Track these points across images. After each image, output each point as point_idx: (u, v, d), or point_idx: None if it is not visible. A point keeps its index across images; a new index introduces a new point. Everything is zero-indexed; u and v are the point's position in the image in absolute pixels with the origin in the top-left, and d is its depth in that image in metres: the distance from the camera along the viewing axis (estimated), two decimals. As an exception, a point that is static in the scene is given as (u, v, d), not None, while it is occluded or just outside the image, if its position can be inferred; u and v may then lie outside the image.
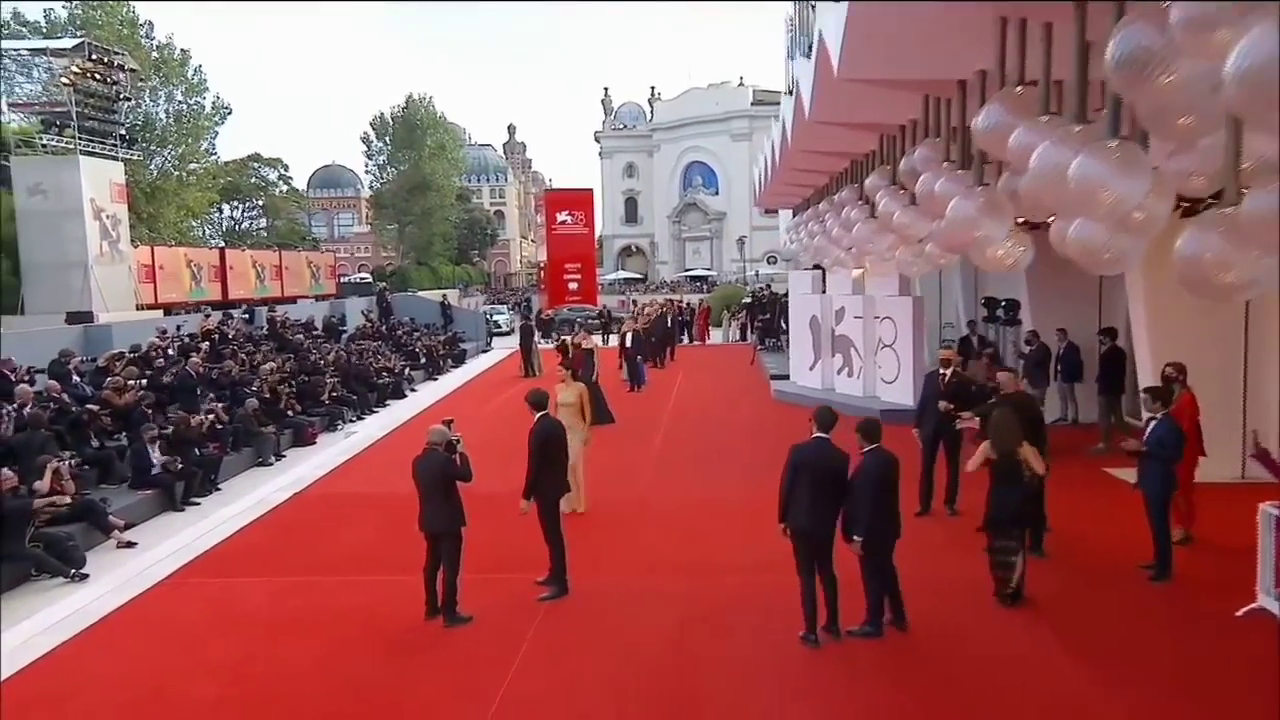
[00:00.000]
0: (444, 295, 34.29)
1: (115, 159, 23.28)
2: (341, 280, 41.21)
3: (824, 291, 17.68)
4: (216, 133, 42.03)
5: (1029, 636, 6.32)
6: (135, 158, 29.15)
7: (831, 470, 6.06)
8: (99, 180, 21.84)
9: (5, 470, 8.32)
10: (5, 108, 32.08)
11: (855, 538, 6.12)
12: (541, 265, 61.18)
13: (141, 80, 32.07)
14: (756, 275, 56.35)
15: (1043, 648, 6.14)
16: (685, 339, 30.33)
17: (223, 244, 49.15)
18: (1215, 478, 8.89)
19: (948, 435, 9.02)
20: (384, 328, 26.04)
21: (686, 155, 79.38)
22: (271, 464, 12.93)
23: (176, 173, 39.86)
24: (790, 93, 12.78)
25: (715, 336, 32.75)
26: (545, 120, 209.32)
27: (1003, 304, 14.71)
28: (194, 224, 46.34)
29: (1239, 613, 6.47)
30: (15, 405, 10.32)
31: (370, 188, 68.53)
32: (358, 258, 75.89)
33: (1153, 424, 7.28)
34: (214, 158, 44.21)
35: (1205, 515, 8.11)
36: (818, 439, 6.14)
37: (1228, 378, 9.80)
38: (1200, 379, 8.27)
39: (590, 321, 30.46)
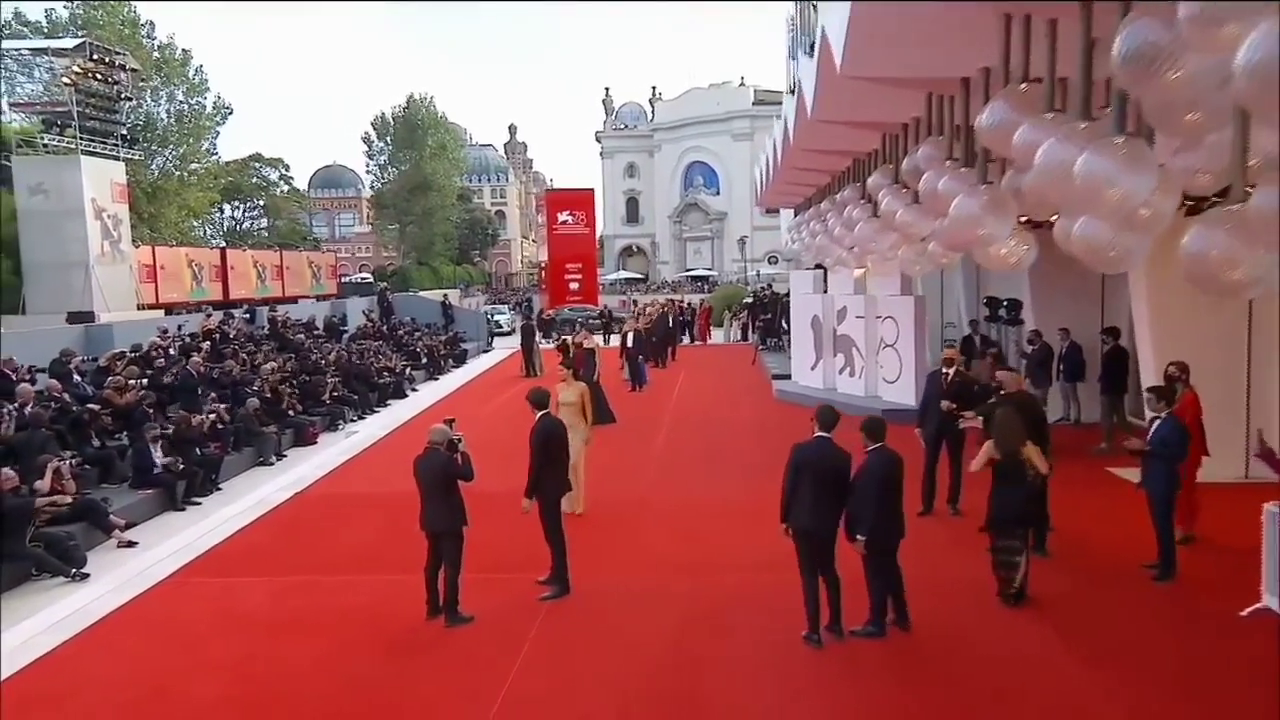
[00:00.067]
0: (445, 295, 34.25)
1: (117, 159, 23.27)
2: (342, 280, 41.18)
3: (826, 291, 17.65)
4: (218, 133, 42.14)
5: (1032, 636, 6.30)
6: (136, 158, 29.14)
7: (834, 470, 6.03)
8: (100, 180, 21.83)
9: (6, 469, 8.31)
10: (7, 107, 32.17)
11: (859, 537, 6.10)
12: (542, 265, 61.10)
13: (143, 80, 32.08)
14: (758, 275, 56.34)
15: (1046, 648, 6.12)
16: (686, 339, 30.32)
17: (224, 244, 49.16)
18: (1218, 477, 8.87)
19: (950, 435, 9.00)
20: (385, 327, 26.03)
21: (687, 155, 79.36)
22: (272, 464, 12.92)
23: (178, 173, 39.88)
24: (792, 91, 12.77)
25: (716, 336, 32.74)
26: (546, 120, 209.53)
27: (1005, 303, 14.68)
28: (195, 224, 46.38)
29: (1243, 613, 6.44)
30: (16, 404, 10.31)
31: (371, 188, 68.55)
32: (359, 258, 75.90)
33: (1157, 423, 7.26)
34: (215, 158, 44.28)
35: (1208, 515, 8.08)
36: (819, 438, 6.11)
37: (1231, 377, 9.77)
38: (1203, 378, 8.24)
39: (591, 321, 30.44)
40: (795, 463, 6.12)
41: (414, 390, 20.35)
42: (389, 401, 18.38)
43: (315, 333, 22.42)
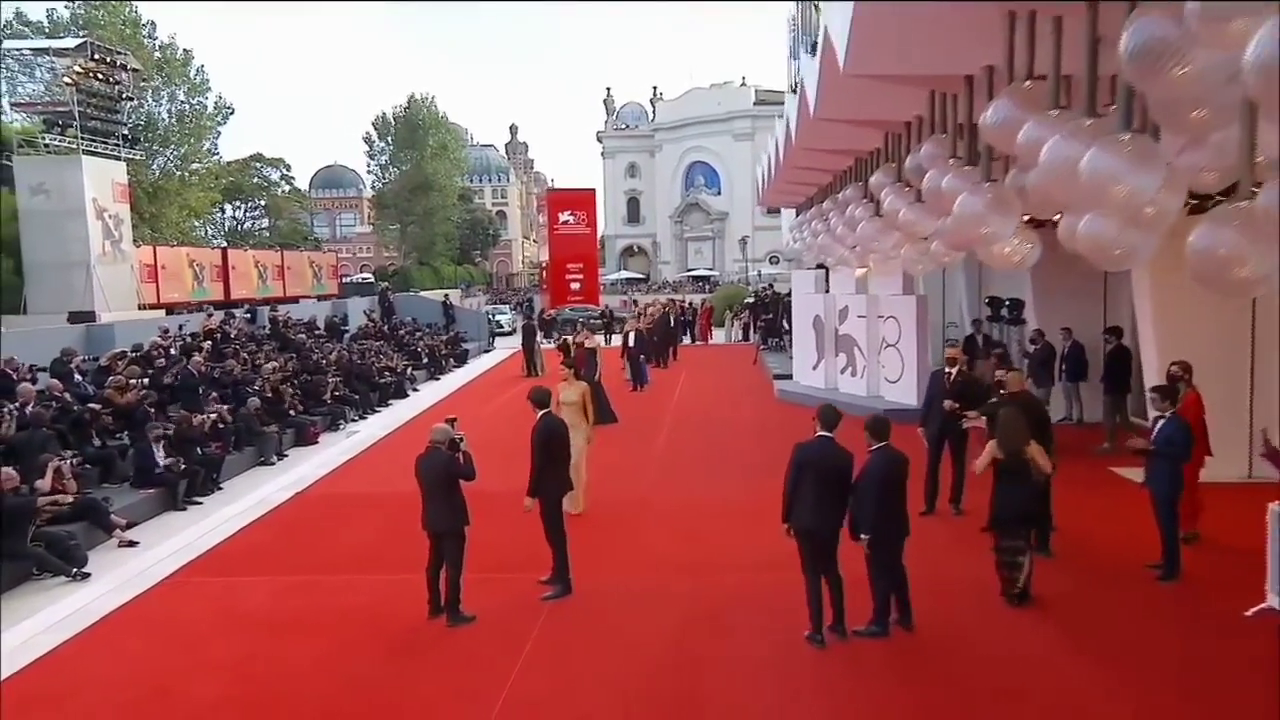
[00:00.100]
0: (446, 295, 34.24)
1: (118, 159, 23.23)
2: (344, 280, 41.12)
3: (827, 291, 17.63)
4: (219, 133, 42.12)
5: (1036, 636, 6.27)
6: (138, 158, 29.11)
7: (836, 469, 6.00)
8: (101, 180, 21.80)
9: (7, 469, 8.30)
10: (8, 107, 32.19)
11: (862, 536, 6.08)
12: (543, 265, 61.13)
13: (144, 80, 32.08)
14: (759, 275, 56.35)
15: (1050, 647, 6.10)
16: (688, 339, 30.30)
17: (225, 244, 49.13)
18: (1221, 477, 8.84)
19: (953, 434, 8.98)
20: (386, 327, 26.02)
21: (689, 155, 79.37)
22: (273, 463, 12.91)
23: (179, 173, 39.87)
24: (794, 90, 12.74)
25: (718, 336, 32.72)
26: (547, 120, 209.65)
27: (1007, 303, 14.65)
28: (196, 224, 46.35)
29: (1248, 613, 6.42)
30: (18, 404, 10.29)
31: (372, 188, 68.56)
32: (360, 258, 75.86)
33: (1161, 423, 7.24)
34: (216, 158, 44.28)
35: (1212, 515, 8.05)
36: (821, 437, 6.08)
37: (1234, 376, 9.73)
38: (1206, 377, 8.22)
39: (592, 321, 30.43)
40: (797, 462, 6.09)
41: (415, 390, 20.35)
42: (390, 401, 18.38)
43: (316, 332, 22.40)
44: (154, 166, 38.33)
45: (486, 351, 29.05)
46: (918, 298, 14.87)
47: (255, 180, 61.00)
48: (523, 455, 7.25)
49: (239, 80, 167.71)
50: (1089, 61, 4.66)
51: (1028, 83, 5.30)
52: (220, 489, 11.26)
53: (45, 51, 27.39)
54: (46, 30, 34.89)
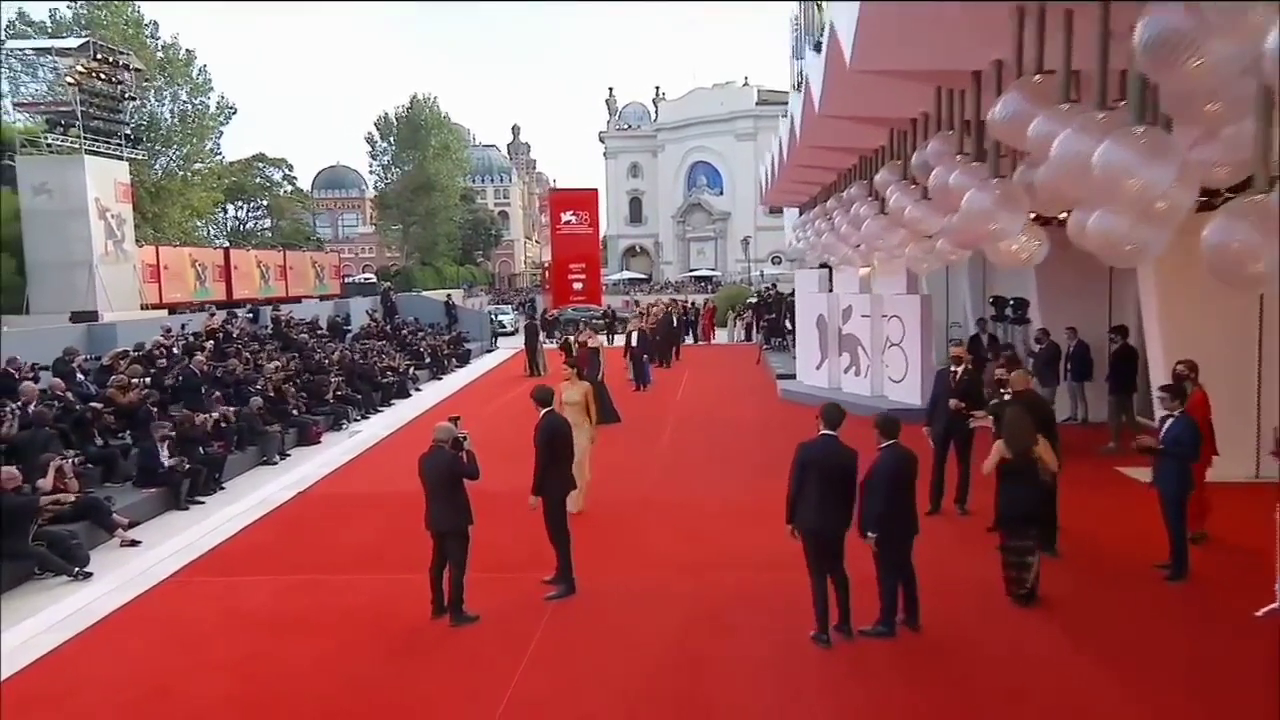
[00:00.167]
0: (449, 295, 34.24)
1: (120, 159, 23.24)
2: (346, 280, 41.13)
3: (831, 290, 17.58)
4: (221, 133, 42.08)
5: (1042, 636, 6.23)
6: (140, 157, 29.13)
7: (840, 468, 5.94)
8: (104, 180, 21.80)
9: (9, 468, 8.27)
10: (11, 107, 32.19)
11: (870, 534, 6.03)
12: (546, 265, 61.09)
13: (146, 80, 32.09)
14: (761, 275, 56.39)
15: (1057, 647, 6.05)
16: (690, 339, 30.27)
17: (227, 244, 49.11)
18: (1228, 477, 8.77)
19: (958, 434, 8.95)
20: (388, 327, 26.01)
21: (691, 155, 79.39)
22: (276, 463, 12.88)
23: (181, 173, 39.86)
24: (798, 88, 12.69)
25: (720, 336, 32.69)
26: (549, 121, 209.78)
27: (1011, 302, 14.58)
28: (199, 224, 46.36)
29: (1259, 613, 6.35)
30: (20, 403, 10.27)
31: (375, 188, 68.58)
32: (362, 258, 75.90)
33: (1169, 422, 7.18)
34: (219, 158, 44.26)
35: (1219, 515, 8.00)
36: (825, 436, 6.03)
37: (1241, 375, 9.68)
38: (1213, 376, 8.16)
39: (595, 321, 30.41)
40: (801, 461, 6.05)
41: (417, 390, 20.33)
42: (392, 401, 18.35)
43: (319, 332, 22.38)
44: (156, 166, 38.35)
45: (489, 351, 29.04)
46: (922, 297, 14.82)
47: (258, 180, 61.06)
48: (526, 455, 7.22)
49: (241, 80, 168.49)
50: (1100, 55, 4.61)
51: (1037, 77, 5.25)
52: (222, 488, 11.24)
53: (48, 51, 27.44)
54: (49, 30, 34.90)
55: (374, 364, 19.39)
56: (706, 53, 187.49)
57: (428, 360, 23.14)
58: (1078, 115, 4.49)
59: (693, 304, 35.50)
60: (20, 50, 30.88)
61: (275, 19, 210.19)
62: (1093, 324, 13.01)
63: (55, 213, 20.97)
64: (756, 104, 73.60)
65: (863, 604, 6.19)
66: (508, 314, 38.95)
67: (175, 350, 14.97)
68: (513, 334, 33.47)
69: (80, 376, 12.47)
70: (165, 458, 10.45)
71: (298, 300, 28.18)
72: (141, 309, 21.98)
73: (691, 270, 76.47)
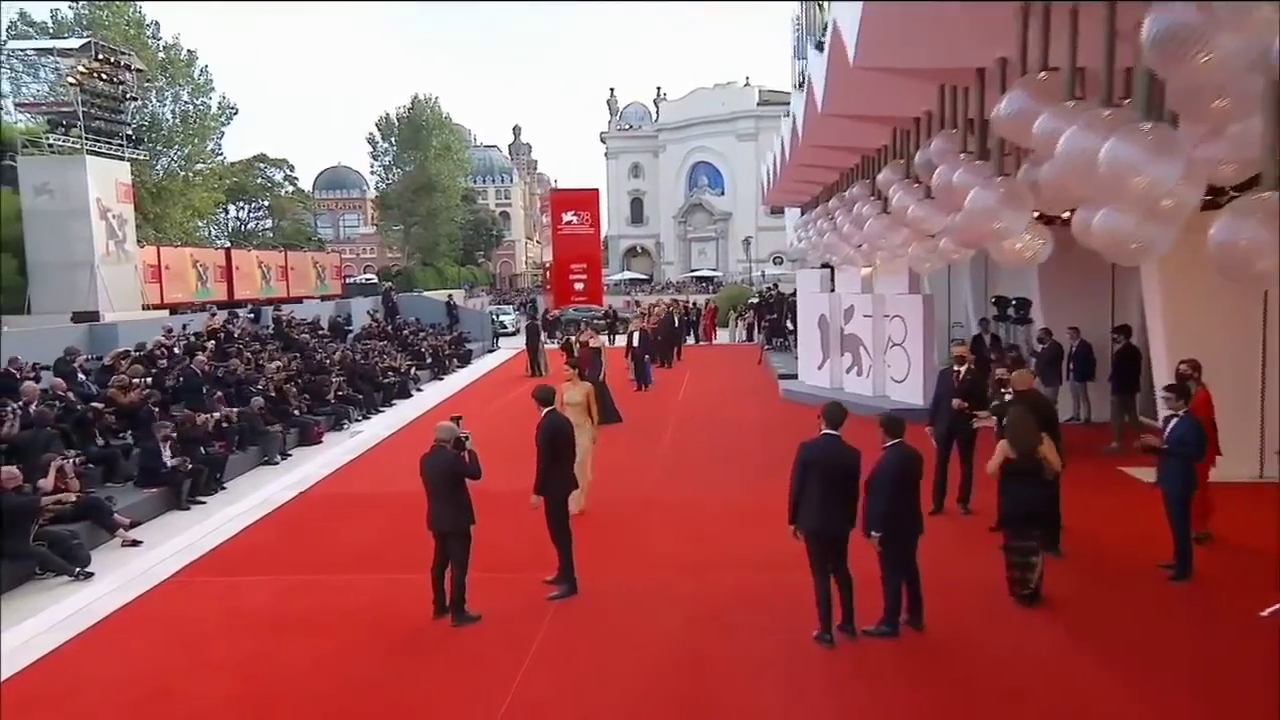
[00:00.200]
0: (449, 295, 34.23)
1: (122, 159, 23.25)
2: (347, 281, 41.13)
3: (833, 290, 17.56)
4: (222, 133, 42.05)
5: (1046, 636, 6.20)
6: (141, 158, 29.12)
7: (842, 467, 5.91)
8: (105, 180, 21.81)
9: (10, 468, 8.26)
10: (12, 107, 32.18)
11: (874, 534, 6.01)
12: (547, 266, 61.04)
13: (148, 80, 32.04)
14: (763, 276, 56.33)
15: (1060, 648, 6.03)
16: (692, 339, 30.26)
17: (228, 244, 49.11)
18: (1232, 477, 8.75)
19: (961, 433, 8.92)
20: (390, 327, 26.00)
21: (692, 155, 79.36)
22: (277, 463, 12.87)
23: (183, 173, 39.86)
24: (800, 86, 12.67)
25: (722, 336, 32.67)
26: (550, 121, 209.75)
27: (1014, 302, 14.56)
28: (200, 224, 46.32)
29: (1264, 613, 6.33)
30: (21, 403, 10.25)
31: (376, 189, 68.54)
32: (363, 258, 75.95)
33: (1174, 422, 7.16)
34: (220, 158, 44.24)
35: (1223, 514, 7.97)
36: (827, 436, 6.01)
37: (1245, 375, 9.65)
38: (1217, 376, 8.13)
39: (596, 321, 30.41)
40: (803, 461, 6.02)
41: (419, 390, 20.32)
42: (394, 401, 18.34)
43: (320, 332, 22.37)
44: (158, 167, 38.34)
45: (490, 351, 29.04)
46: (924, 297, 14.79)
47: (259, 181, 61.06)
48: (527, 455, 7.20)
49: (242, 81, 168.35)
50: (1106, 52, 4.58)
51: (1042, 74, 5.23)
52: (224, 488, 11.23)
53: (49, 52, 27.44)
54: (51, 31, 34.92)
55: (375, 364, 19.39)
56: (707, 53, 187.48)
57: (429, 360, 23.13)
58: (1083, 112, 4.46)
59: (694, 304, 35.48)
60: (22, 51, 30.89)
61: (276, 19, 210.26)
62: (1095, 324, 12.98)
63: (57, 213, 20.98)
64: (758, 104, 73.58)
65: (866, 604, 6.17)
66: (509, 314, 38.96)
67: (176, 350, 14.96)
68: (514, 334, 33.47)
69: (82, 376, 12.46)
70: (167, 458, 10.44)
71: (299, 300, 28.17)
72: (143, 309, 21.98)
73: (693, 270, 76.44)
